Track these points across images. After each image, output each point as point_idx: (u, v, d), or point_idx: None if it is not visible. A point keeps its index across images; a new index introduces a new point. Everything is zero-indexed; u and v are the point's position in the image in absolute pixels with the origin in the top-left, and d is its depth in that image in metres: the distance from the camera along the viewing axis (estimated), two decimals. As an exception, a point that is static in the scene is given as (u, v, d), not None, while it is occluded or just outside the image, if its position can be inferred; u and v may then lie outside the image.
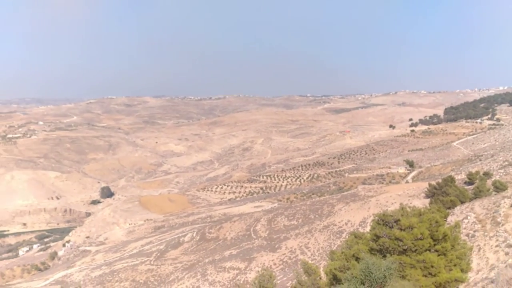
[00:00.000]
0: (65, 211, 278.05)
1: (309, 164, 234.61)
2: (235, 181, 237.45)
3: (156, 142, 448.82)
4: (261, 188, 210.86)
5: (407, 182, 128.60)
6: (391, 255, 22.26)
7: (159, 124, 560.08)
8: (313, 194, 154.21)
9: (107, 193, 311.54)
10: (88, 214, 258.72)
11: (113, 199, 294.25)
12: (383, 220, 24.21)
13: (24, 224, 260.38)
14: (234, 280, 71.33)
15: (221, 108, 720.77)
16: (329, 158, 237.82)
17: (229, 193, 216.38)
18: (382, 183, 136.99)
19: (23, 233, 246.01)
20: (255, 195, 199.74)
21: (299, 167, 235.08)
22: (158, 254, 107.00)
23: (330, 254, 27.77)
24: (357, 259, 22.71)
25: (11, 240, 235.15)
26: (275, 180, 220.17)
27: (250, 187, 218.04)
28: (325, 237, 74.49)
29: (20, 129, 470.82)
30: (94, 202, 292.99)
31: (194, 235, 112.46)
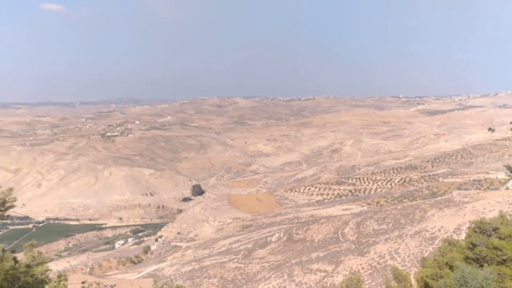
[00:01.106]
0: (158, 207, 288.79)
1: (400, 168, 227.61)
2: (323, 183, 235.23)
3: (245, 142, 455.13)
4: (350, 191, 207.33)
5: (507, 188, 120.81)
6: (488, 265, 20.73)
7: (248, 125, 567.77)
8: (404, 198, 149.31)
9: (198, 191, 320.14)
10: (180, 211, 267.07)
11: (204, 197, 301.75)
12: (480, 228, 22.62)
13: (120, 219, 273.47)
14: (320, 283, 70.40)
15: (310, 109, 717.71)
16: (422, 162, 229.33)
17: (317, 194, 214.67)
18: (479, 189, 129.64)
19: (119, 227, 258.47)
20: (343, 197, 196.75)
21: (390, 170, 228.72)
22: (246, 253, 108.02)
23: (421, 261, 26.45)
24: (451, 267, 21.37)
25: (108, 233, 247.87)
26: (364, 183, 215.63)
27: (339, 189, 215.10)
28: (416, 243, 71.60)
29: (118, 128, 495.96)
30: (186, 200, 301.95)
31: (282, 235, 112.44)
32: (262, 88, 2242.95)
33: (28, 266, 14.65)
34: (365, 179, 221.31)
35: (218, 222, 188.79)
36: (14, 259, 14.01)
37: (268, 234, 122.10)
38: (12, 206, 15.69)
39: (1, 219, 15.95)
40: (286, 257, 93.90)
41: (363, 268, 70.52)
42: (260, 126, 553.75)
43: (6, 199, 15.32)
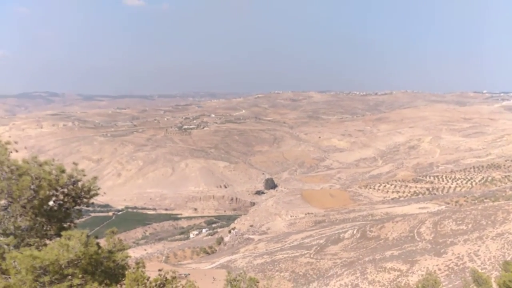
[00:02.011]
0: (232, 199, 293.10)
1: (482, 166, 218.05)
2: (399, 180, 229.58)
3: (319, 137, 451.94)
4: (427, 189, 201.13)
5: None
6: None
7: (322, 119, 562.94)
8: (485, 198, 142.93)
9: (271, 184, 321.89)
10: (253, 204, 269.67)
11: (276, 190, 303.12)
12: None
13: (195, 209, 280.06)
14: (394, 282, 68.86)
15: (387, 104, 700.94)
16: (506, 161, 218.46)
17: (393, 192, 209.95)
18: None
19: (194, 217, 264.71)
20: (420, 195, 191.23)
21: (470, 168, 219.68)
22: (318, 248, 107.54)
23: (503, 264, 25.16)
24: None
25: (184, 223, 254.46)
26: (443, 181, 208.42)
27: (415, 187, 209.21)
28: (498, 246, 68.39)
29: (194, 121, 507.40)
30: (258, 193, 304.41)
31: (355, 232, 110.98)
32: (337, 82, 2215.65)
33: (110, 252, 15.22)
34: (443, 177, 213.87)
35: (291, 216, 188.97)
36: (97, 244, 14.60)
37: (341, 230, 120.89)
38: (96, 194, 16.36)
39: (86, 206, 16.69)
40: (359, 254, 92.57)
41: (439, 269, 68.26)
42: (335, 120, 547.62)
43: (91, 187, 16.00)
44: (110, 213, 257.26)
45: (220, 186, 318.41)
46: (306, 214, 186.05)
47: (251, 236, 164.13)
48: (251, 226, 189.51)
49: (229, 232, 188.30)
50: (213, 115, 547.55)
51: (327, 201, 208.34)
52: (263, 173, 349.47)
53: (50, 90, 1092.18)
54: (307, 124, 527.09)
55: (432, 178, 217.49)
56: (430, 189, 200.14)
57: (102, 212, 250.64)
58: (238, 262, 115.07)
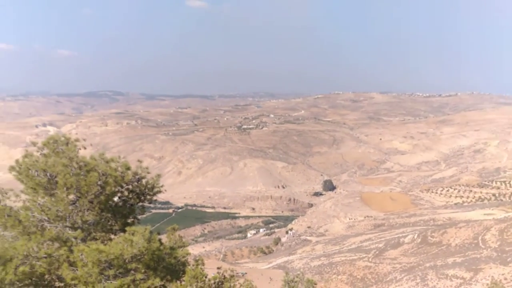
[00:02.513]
0: (289, 200, 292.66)
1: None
2: (463, 185, 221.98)
3: (380, 139, 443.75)
4: (493, 195, 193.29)
5: None
6: None
7: (384, 121, 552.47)
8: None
9: (329, 186, 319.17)
10: (310, 205, 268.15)
11: (335, 192, 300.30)
12: None
13: (253, 209, 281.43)
14: (456, 290, 66.72)
15: (451, 106, 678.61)
16: None
17: (456, 197, 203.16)
18: None
19: (251, 217, 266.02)
20: (485, 201, 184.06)
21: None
22: (377, 252, 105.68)
23: None
24: None
25: (241, 222, 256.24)
26: (511, 187, 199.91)
27: (481, 192, 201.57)
28: None
29: (253, 121, 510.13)
30: (316, 194, 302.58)
31: (415, 237, 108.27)
32: (399, 83, 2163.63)
33: (172, 248, 15.55)
34: (511, 183, 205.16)
35: (349, 219, 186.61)
36: (160, 240, 14.94)
37: (401, 235, 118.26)
38: (159, 192, 16.78)
39: (149, 203, 17.13)
40: (420, 259, 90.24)
41: (505, 279, 65.52)
42: (396, 122, 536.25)
43: (155, 184, 16.41)
44: (170, 210, 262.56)
45: (278, 187, 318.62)
46: (365, 217, 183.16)
47: (308, 238, 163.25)
48: (309, 227, 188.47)
49: (286, 232, 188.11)
50: (272, 115, 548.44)
51: (387, 205, 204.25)
52: (321, 175, 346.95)
53: (115, 89, 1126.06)
54: (368, 125, 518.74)
55: (499, 183, 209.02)
56: (497, 194, 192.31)
57: (162, 209, 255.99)
58: (295, 263, 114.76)
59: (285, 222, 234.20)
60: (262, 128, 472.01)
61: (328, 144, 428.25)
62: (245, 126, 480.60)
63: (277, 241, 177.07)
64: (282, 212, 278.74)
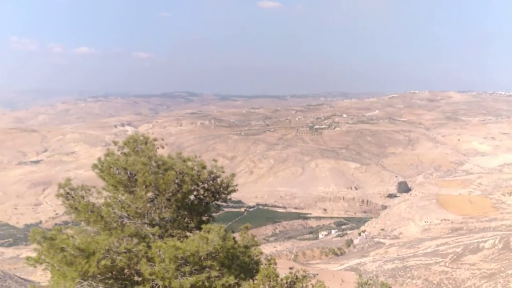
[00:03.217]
0: (362, 201, 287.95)
1: None
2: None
3: (458, 140, 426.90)
4: None
5: None
6: None
7: (462, 121, 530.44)
8: None
9: (404, 188, 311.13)
10: (384, 207, 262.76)
11: (410, 194, 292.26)
12: None
13: (324, 210, 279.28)
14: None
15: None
16: None
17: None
18: None
19: (323, 218, 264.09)
20: None
21: None
22: (454, 257, 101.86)
23: None
24: None
25: (312, 223, 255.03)
26: None
27: None
28: None
29: (325, 121, 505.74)
30: (390, 196, 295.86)
31: (496, 242, 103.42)
32: (480, 82, 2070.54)
33: (246, 247, 15.74)
34: None
35: (425, 222, 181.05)
36: (234, 239, 15.17)
37: (480, 240, 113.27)
38: (234, 191, 17.03)
39: (224, 201, 17.44)
40: (501, 266, 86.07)
41: None
42: (476, 122, 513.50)
43: (229, 183, 16.68)
44: (242, 209, 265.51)
45: (350, 188, 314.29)
46: (441, 221, 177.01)
47: (381, 240, 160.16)
48: (382, 229, 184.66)
49: (359, 234, 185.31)
50: (344, 115, 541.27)
51: (465, 208, 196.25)
52: (396, 176, 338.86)
53: (189, 90, 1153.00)
54: (445, 125, 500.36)
55: None
56: None
57: (234, 207, 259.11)
58: (367, 266, 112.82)
59: (357, 224, 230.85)
60: (334, 128, 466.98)
61: (403, 145, 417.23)
62: (317, 126, 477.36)
63: (349, 243, 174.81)
64: (355, 213, 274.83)
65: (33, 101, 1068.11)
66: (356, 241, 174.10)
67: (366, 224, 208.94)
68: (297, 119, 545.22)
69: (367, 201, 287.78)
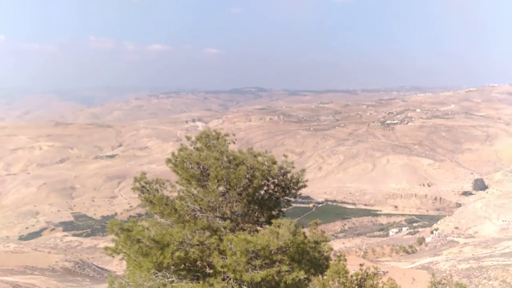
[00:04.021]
0: (435, 198, 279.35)
1: None
2: None
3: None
4: None
5: None
6: None
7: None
8: None
9: (480, 185, 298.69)
10: (458, 205, 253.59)
11: (486, 192, 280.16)
12: None
13: (395, 207, 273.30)
14: None
15: None
16: None
17: None
18: None
19: (394, 215, 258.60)
20: None
21: None
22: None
23: None
24: None
25: (383, 220, 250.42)
26: None
27: None
28: None
29: (398, 116, 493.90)
30: (465, 193, 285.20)
31: None
32: None
33: (316, 242, 15.75)
34: None
35: (503, 221, 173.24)
36: (304, 234, 15.21)
37: None
38: (304, 186, 17.06)
39: (293, 197, 17.51)
40: None
41: None
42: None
43: (299, 179, 16.73)
44: (311, 205, 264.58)
45: (423, 184, 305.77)
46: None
47: (455, 239, 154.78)
48: (456, 228, 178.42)
49: (431, 232, 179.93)
50: (418, 110, 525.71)
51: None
52: (471, 173, 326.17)
53: (259, 86, 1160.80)
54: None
55: None
56: None
57: (302, 203, 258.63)
58: (440, 265, 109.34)
59: (430, 222, 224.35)
60: (407, 123, 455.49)
61: (480, 141, 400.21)
62: (388, 121, 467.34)
63: (421, 241, 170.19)
64: (427, 211, 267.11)
65: (108, 97, 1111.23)
66: (428, 239, 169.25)
67: (439, 222, 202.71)
68: (368, 114, 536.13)
69: (440, 198, 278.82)
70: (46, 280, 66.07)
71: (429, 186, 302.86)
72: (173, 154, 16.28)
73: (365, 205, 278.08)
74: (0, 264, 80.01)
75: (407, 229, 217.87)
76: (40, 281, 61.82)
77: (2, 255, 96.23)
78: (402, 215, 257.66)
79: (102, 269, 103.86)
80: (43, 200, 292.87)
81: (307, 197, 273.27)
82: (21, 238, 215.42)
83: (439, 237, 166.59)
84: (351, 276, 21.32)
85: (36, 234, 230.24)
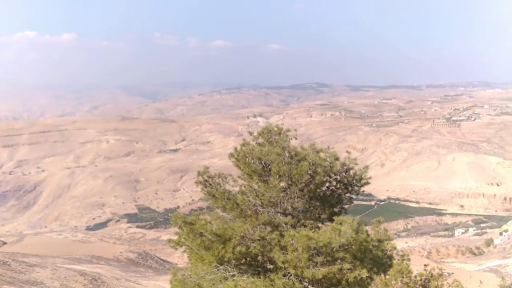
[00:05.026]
0: (505, 199, 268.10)
1: None
2: None
3: None
4: None
5: None
6: None
7: None
8: None
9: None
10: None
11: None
12: None
13: (461, 206, 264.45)
14: None
15: None
16: None
17: None
18: None
19: (460, 214, 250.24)
20: None
21: None
22: None
23: None
24: None
25: (448, 220, 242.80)
26: None
27: None
28: None
29: (464, 112, 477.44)
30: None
31: None
32: None
33: (379, 240, 15.45)
34: None
35: None
36: (367, 232, 14.95)
37: None
38: (367, 183, 16.77)
39: (356, 194, 17.25)
40: None
41: None
42: None
43: (362, 176, 16.45)
44: (372, 203, 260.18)
45: (491, 184, 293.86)
46: None
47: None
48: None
49: (501, 234, 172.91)
50: (486, 106, 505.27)
51: None
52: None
53: (320, 81, 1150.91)
54: None
55: None
56: None
57: (364, 200, 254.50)
58: (509, 268, 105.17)
59: (498, 223, 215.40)
60: (474, 120, 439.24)
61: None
62: (454, 118, 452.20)
63: (489, 242, 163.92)
64: (496, 211, 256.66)
65: (172, 93, 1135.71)
66: (497, 241, 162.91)
67: (508, 223, 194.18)
68: (433, 110, 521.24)
69: (511, 198, 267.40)
70: (111, 270, 68.45)
71: (498, 185, 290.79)
72: (235, 149, 16.42)
73: (429, 204, 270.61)
74: (68, 253, 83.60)
75: (474, 230, 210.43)
76: (106, 271, 64.10)
77: (70, 244, 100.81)
78: (469, 215, 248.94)
79: (164, 261, 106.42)
80: (109, 192, 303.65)
81: (369, 195, 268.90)
82: (88, 228, 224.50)
83: (509, 239, 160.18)
84: (415, 277, 20.82)
85: (102, 225, 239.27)
